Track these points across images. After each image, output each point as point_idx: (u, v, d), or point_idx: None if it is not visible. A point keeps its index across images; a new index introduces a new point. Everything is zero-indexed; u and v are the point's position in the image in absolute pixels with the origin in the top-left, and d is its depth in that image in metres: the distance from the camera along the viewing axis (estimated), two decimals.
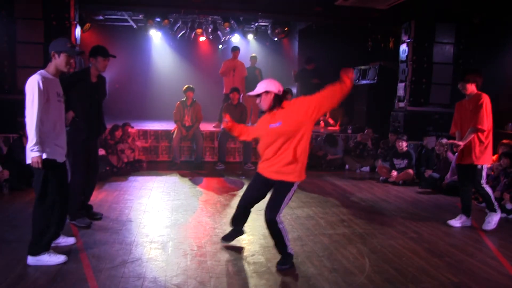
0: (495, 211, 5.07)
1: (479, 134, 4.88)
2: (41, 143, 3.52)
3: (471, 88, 4.95)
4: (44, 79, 3.54)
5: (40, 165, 3.52)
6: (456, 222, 5.21)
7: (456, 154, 5.31)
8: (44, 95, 3.51)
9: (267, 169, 3.68)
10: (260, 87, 3.63)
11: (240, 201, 4.02)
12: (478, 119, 4.83)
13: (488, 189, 5.08)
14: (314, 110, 3.52)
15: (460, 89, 5.05)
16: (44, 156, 3.56)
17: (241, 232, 4.26)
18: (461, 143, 4.92)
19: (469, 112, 4.96)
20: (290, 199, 3.68)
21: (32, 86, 3.48)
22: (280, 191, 3.65)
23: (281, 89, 3.65)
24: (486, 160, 4.98)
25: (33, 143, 3.48)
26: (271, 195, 3.72)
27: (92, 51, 4.57)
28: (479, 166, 4.95)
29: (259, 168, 3.78)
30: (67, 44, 3.68)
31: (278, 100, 3.62)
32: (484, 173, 5.00)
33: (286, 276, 3.59)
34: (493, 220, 5.05)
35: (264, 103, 3.63)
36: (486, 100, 4.86)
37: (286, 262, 3.72)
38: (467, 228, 5.10)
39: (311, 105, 3.52)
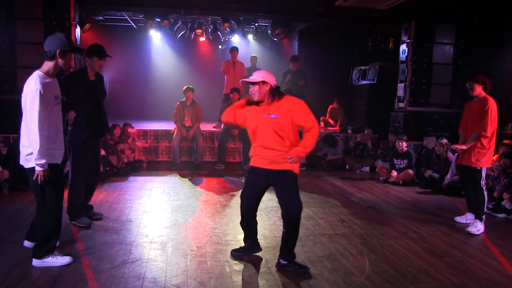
0: (481, 220, 4.96)
1: (482, 139, 4.84)
2: (44, 153, 3.37)
3: (479, 89, 4.86)
4: (44, 85, 3.38)
5: (44, 182, 3.40)
6: (462, 219, 5.31)
7: (456, 154, 5.31)
8: (45, 102, 3.36)
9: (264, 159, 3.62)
10: (258, 76, 3.55)
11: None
12: (483, 125, 4.78)
13: (485, 193, 4.99)
14: (294, 123, 3.54)
15: (468, 88, 4.95)
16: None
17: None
18: (464, 147, 4.90)
19: (474, 115, 4.91)
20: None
21: (33, 95, 3.30)
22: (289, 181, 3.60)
23: (275, 83, 3.61)
24: (485, 163, 4.96)
25: (38, 156, 3.33)
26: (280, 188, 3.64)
27: (88, 51, 4.55)
28: (478, 168, 4.94)
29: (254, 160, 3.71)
30: (70, 42, 3.54)
31: (274, 92, 3.57)
32: (483, 174, 4.98)
33: (286, 276, 3.59)
34: (478, 227, 4.91)
35: (259, 93, 3.56)
36: (492, 105, 4.79)
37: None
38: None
39: (296, 119, 3.51)
